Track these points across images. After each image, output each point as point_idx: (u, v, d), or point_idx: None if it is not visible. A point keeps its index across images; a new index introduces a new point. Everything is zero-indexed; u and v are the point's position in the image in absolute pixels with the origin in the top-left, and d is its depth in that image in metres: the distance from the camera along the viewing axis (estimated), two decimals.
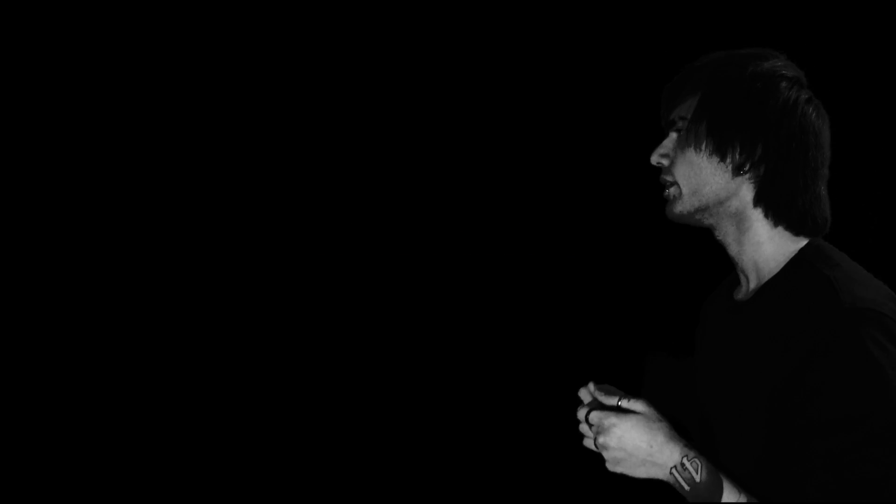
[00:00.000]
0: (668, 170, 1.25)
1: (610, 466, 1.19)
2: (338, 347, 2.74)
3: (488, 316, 2.72)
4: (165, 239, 2.71)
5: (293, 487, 2.72)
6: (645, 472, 1.17)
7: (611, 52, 2.65)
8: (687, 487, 1.16)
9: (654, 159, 1.27)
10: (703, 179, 1.22)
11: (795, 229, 1.22)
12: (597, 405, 1.21)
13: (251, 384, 2.73)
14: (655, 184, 1.32)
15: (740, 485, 1.17)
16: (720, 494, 1.14)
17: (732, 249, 1.26)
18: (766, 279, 1.22)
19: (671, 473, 1.16)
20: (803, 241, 1.23)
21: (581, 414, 1.23)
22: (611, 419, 1.17)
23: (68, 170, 2.68)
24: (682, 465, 1.16)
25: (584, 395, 1.24)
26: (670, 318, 2.36)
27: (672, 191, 1.25)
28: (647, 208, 2.05)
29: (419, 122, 2.74)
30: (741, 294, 1.28)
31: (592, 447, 1.23)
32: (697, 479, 1.15)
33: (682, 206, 1.24)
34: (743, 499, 1.15)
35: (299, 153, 2.75)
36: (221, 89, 2.70)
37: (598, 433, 1.18)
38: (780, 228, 1.22)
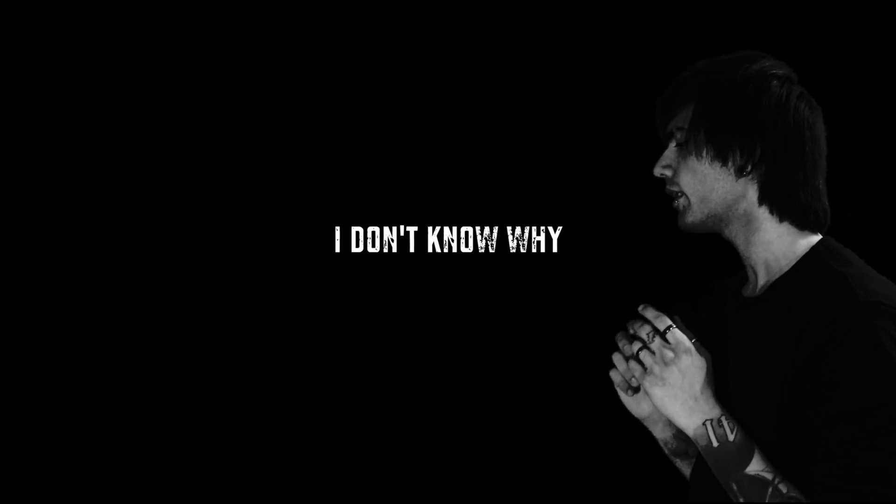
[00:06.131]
0: (673, 180, 1.28)
1: (649, 381, 1.18)
2: (327, 349, 2.74)
3: (485, 316, 2.72)
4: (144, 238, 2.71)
5: (288, 487, 2.72)
6: (676, 412, 1.18)
7: (611, 57, 2.65)
8: (716, 444, 1.16)
9: (658, 171, 1.30)
10: (708, 186, 1.25)
11: (800, 223, 1.25)
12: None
13: (250, 383, 2.73)
14: (656, 187, 1.33)
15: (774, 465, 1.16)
16: (749, 460, 1.15)
17: (743, 250, 1.28)
18: (777, 276, 1.25)
19: (704, 424, 1.17)
20: (809, 236, 1.26)
21: (641, 333, 1.20)
22: (687, 344, 1.18)
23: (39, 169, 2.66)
24: (720, 420, 1.17)
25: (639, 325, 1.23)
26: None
27: (681, 201, 1.28)
28: (648, 210, 2.05)
29: (417, 133, 2.74)
30: (749, 290, 1.30)
31: (631, 368, 1.21)
32: (731, 437, 1.16)
33: (693, 216, 1.27)
34: (769, 471, 1.15)
35: (298, 153, 2.75)
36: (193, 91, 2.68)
37: (662, 349, 1.18)
38: (785, 224, 1.25)
